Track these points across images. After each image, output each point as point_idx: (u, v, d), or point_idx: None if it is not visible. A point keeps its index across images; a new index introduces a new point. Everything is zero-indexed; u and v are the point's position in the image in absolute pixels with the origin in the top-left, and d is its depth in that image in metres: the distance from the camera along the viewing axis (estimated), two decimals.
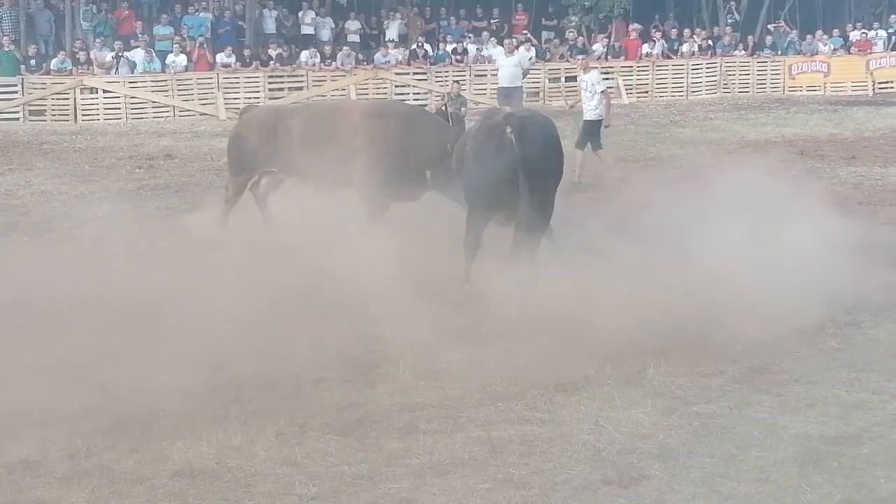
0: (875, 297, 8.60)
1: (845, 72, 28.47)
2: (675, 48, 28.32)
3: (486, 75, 25.10)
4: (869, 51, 28.73)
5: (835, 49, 28.92)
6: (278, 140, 11.09)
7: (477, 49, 26.70)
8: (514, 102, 17.72)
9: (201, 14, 26.31)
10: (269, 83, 24.68)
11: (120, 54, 24.23)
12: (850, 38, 29.23)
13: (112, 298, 8.69)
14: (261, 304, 8.51)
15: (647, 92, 27.19)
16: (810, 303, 8.15)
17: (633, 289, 8.30)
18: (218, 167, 15.70)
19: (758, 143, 19.11)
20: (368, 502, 5.38)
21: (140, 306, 8.47)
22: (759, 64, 28.47)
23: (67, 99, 23.40)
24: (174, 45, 24.75)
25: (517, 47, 22.89)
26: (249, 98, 23.27)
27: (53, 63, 23.85)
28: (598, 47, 27.91)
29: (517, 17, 29.37)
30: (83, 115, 23.33)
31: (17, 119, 22.96)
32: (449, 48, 26.71)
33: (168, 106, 23.97)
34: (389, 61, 25.88)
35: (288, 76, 25.05)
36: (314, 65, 25.29)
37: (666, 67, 27.69)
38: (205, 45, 25.13)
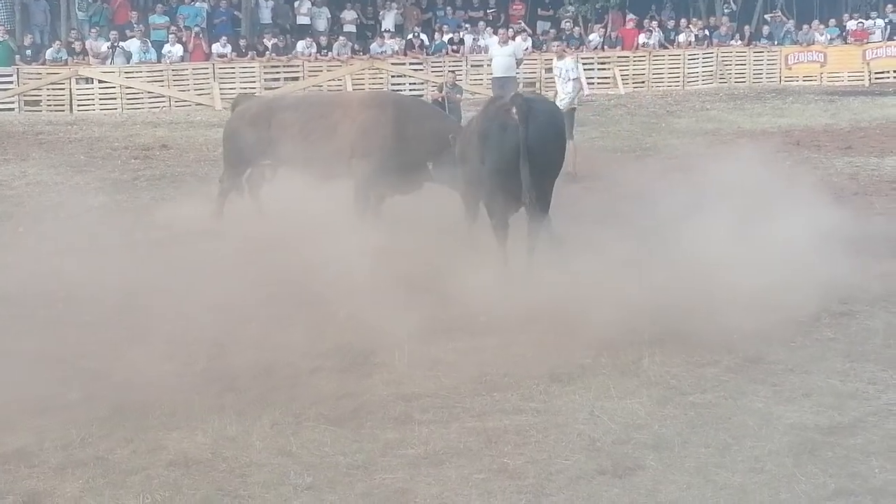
0: (870, 287, 8.61)
1: (842, 62, 28.45)
2: (671, 38, 28.28)
3: (482, 65, 25.04)
4: (865, 40, 28.70)
5: (831, 39, 28.89)
6: (273, 132, 11.03)
7: (473, 39, 26.65)
8: (509, 92, 17.70)
9: (197, 4, 26.23)
10: (265, 73, 24.62)
11: (115, 44, 24.18)
12: (847, 28, 29.19)
13: (107, 288, 8.69)
14: (256, 294, 8.52)
15: (643, 82, 27.16)
16: (805, 293, 8.15)
17: (628, 279, 8.30)
18: (214, 157, 15.67)
19: (754, 133, 19.11)
20: (363, 492, 5.38)
21: (135, 296, 8.48)
22: (756, 54, 28.44)
23: (63, 89, 23.34)
24: (170, 35, 24.68)
25: (512, 38, 22.87)
26: (245, 88, 23.24)
27: (49, 53, 23.79)
28: (594, 37, 27.87)
29: (514, 6, 29.31)
30: (79, 105, 23.28)
31: (13, 109, 22.90)
32: (445, 38, 26.67)
33: (164, 96, 23.91)
34: (386, 51, 25.83)
35: (284, 66, 24.99)
36: (310, 55, 25.24)
37: (662, 58, 27.65)
38: (200, 35, 25.08)
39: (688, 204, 9.88)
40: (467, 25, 27.62)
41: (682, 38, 28.20)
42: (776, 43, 28.90)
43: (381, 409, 6.38)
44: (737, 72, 28.12)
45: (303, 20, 27.00)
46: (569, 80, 15.25)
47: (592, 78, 26.57)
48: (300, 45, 25.45)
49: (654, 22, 28.57)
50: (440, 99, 15.75)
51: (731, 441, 5.85)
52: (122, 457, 5.77)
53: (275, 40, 25.43)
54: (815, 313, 8.02)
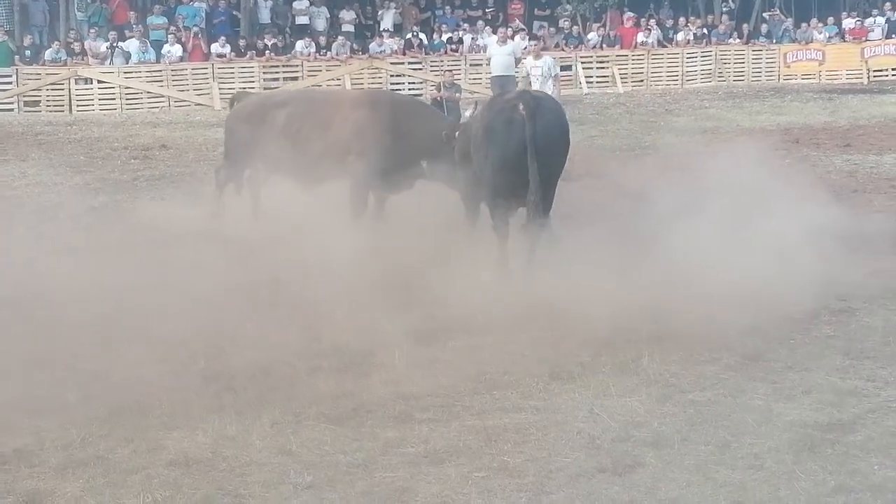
0: (869, 285, 8.63)
1: (840, 60, 28.43)
2: (669, 37, 28.28)
3: (481, 64, 25.02)
4: (864, 39, 28.70)
5: (830, 37, 28.89)
6: (268, 131, 10.99)
7: (472, 38, 26.65)
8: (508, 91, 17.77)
9: (196, 4, 26.22)
10: (265, 73, 24.61)
11: (114, 45, 24.17)
12: (845, 27, 29.18)
13: (106, 289, 8.69)
14: (255, 294, 8.53)
15: (642, 81, 27.16)
16: (804, 290, 8.16)
17: (627, 277, 8.30)
18: (213, 157, 15.66)
19: (753, 131, 19.11)
20: (364, 491, 5.38)
21: (133, 296, 8.48)
22: (754, 52, 28.43)
23: (62, 89, 23.33)
24: (169, 36, 24.68)
25: (511, 37, 22.87)
26: (244, 88, 23.16)
27: (48, 54, 23.79)
28: (593, 36, 27.88)
29: (513, 6, 29.29)
30: (78, 105, 23.27)
31: (12, 110, 22.90)
32: (444, 37, 26.66)
33: (163, 96, 23.91)
34: (385, 51, 25.83)
35: (283, 66, 24.98)
36: (309, 55, 25.24)
37: (661, 56, 27.65)
38: (199, 35, 25.07)
39: (687, 202, 9.89)
40: (466, 25, 27.61)
41: (680, 36, 28.19)
42: (774, 41, 28.90)
43: (381, 407, 6.39)
44: (735, 70, 28.10)
45: (301, 20, 27.00)
46: (549, 78, 15.34)
47: (591, 77, 26.68)
48: (299, 44, 25.45)
49: (652, 20, 28.57)
50: (439, 98, 15.76)
51: (730, 438, 5.86)
52: (122, 456, 5.77)
53: (274, 40, 25.42)
54: (814, 311, 8.04)
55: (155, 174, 15.18)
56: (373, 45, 25.97)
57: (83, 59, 23.96)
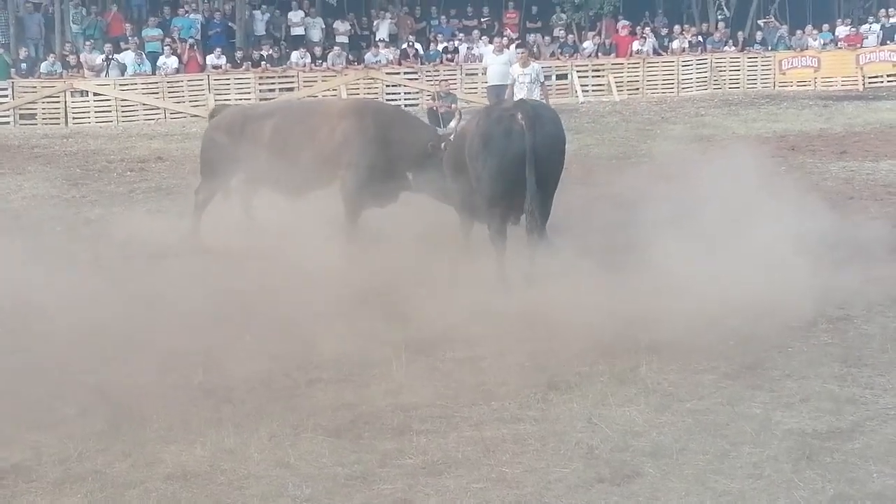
0: (867, 292, 8.61)
1: (835, 67, 28.48)
2: (665, 45, 28.33)
3: (476, 74, 25.08)
4: (859, 45, 28.76)
5: (825, 44, 28.95)
6: (248, 142, 10.94)
7: (468, 48, 26.69)
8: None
9: (191, 16, 26.27)
10: (260, 84, 24.64)
11: (110, 57, 24.19)
12: (840, 33, 29.24)
13: (104, 301, 8.68)
14: (252, 305, 8.52)
15: (637, 89, 27.19)
16: (802, 298, 8.16)
17: (624, 286, 8.30)
18: None
19: (749, 138, 19.12)
20: (362, 503, 5.37)
21: (132, 308, 8.47)
22: (750, 60, 28.48)
23: (58, 102, 23.35)
24: (164, 47, 24.71)
25: (507, 46, 22.93)
26: (240, 99, 23.28)
27: (43, 66, 23.80)
28: (588, 45, 27.92)
29: (508, 15, 29.36)
30: (74, 118, 23.29)
31: (8, 123, 22.92)
32: (440, 47, 26.70)
33: (159, 108, 23.92)
34: (380, 61, 25.87)
35: (279, 77, 25.01)
36: (305, 65, 25.27)
37: (656, 64, 27.70)
38: (195, 47, 25.10)
39: (684, 210, 9.90)
40: (461, 34, 27.65)
41: (675, 44, 28.25)
42: (770, 48, 28.95)
43: (379, 419, 6.38)
44: (731, 78, 28.14)
45: (297, 31, 27.04)
46: (536, 85, 15.44)
47: (587, 85, 26.72)
48: (294, 55, 25.48)
49: (647, 28, 28.62)
50: (435, 108, 15.78)
51: (729, 447, 5.85)
52: (120, 470, 5.75)
53: (269, 51, 25.45)
54: (811, 319, 8.03)
55: (151, 186, 15.17)
56: (368, 56, 26.00)
57: (79, 72, 23.99)
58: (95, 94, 23.63)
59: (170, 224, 11.72)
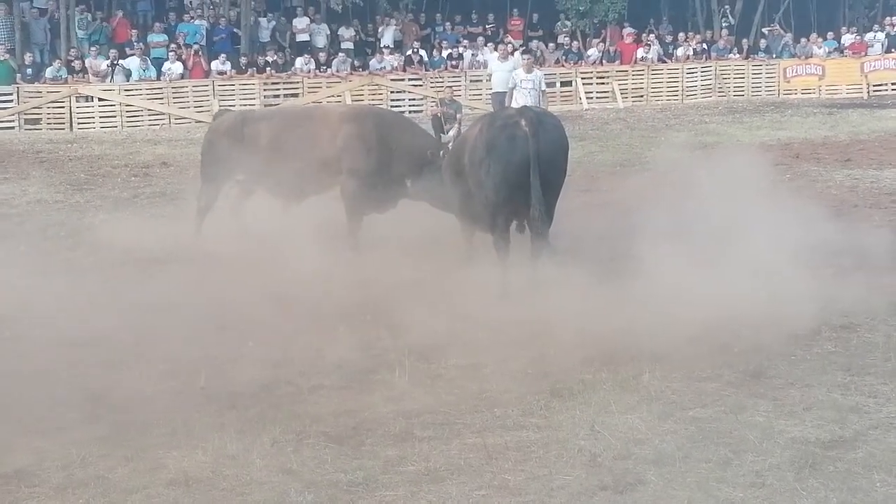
0: (870, 301, 8.60)
1: (840, 75, 28.46)
2: (669, 52, 28.33)
3: (481, 80, 25.09)
4: (863, 53, 28.76)
5: (829, 52, 28.94)
6: (248, 146, 10.96)
7: (472, 54, 26.71)
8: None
9: (196, 21, 26.29)
10: (265, 90, 24.65)
11: (115, 62, 24.21)
12: (845, 41, 29.24)
13: (108, 306, 8.70)
14: (256, 311, 8.52)
15: (642, 96, 27.20)
16: (805, 306, 8.15)
17: (627, 293, 8.30)
18: None
19: (753, 146, 19.10)
20: None
21: (135, 314, 8.48)
22: (754, 67, 28.47)
23: (63, 107, 23.37)
24: (169, 53, 24.74)
25: (512, 53, 22.94)
26: (245, 105, 23.28)
27: (49, 71, 23.82)
28: (593, 52, 27.93)
29: (512, 22, 29.37)
30: (79, 123, 23.30)
31: (13, 128, 22.92)
32: (444, 54, 26.72)
33: (164, 114, 23.94)
34: (385, 67, 25.88)
35: (283, 83, 25.03)
36: (309, 71, 25.29)
37: (661, 72, 27.70)
38: (200, 53, 25.12)
39: (688, 218, 9.91)
40: (466, 41, 27.67)
41: (680, 51, 28.24)
42: (774, 56, 28.94)
43: (382, 426, 6.38)
44: (735, 85, 28.12)
45: (302, 37, 27.07)
46: (539, 92, 15.52)
47: (591, 92, 26.72)
48: (299, 61, 25.50)
49: (652, 36, 28.64)
50: (439, 114, 15.78)
51: (731, 456, 5.84)
52: (122, 476, 5.76)
53: (274, 57, 25.48)
54: (814, 327, 8.02)
55: (155, 191, 15.18)
56: (373, 62, 26.02)
57: (84, 77, 23.99)
58: (100, 100, 23.64)
59: (173, 230, 11.72)
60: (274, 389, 7.01)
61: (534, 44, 27.87)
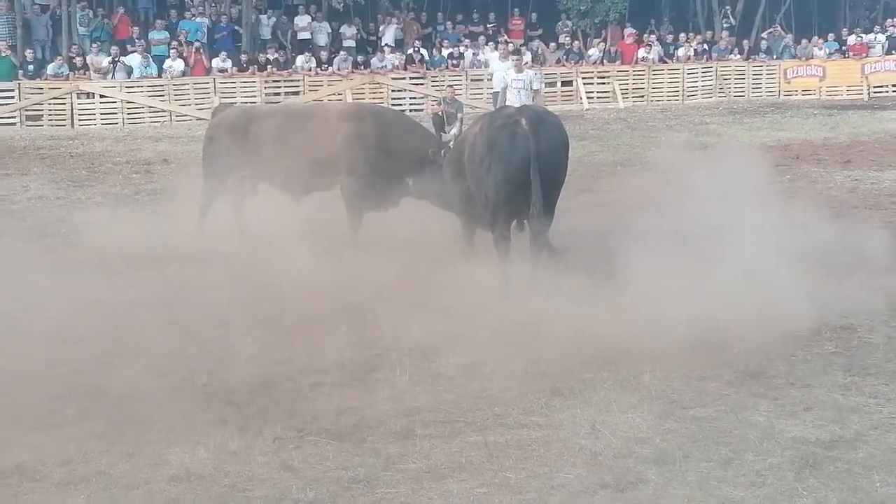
0: (870, 301, 8.62)
1: (841, 76, 28.49)
2: (670, 53, 28.34)
3: (482, 80, 25.11)
4: (864, 55, 28.76)
5: (830, 53, 28.95)
6: (249, 142, 10.96)
7: (473, 54, 26.72)
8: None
9: (198, 19, 26.30)
10: (266, 88, 24.67)
11: (116, 59, 24.22)
12: (846, 43, 29.25)
13: (108, 303, 8.70)
14: (257, 309, 8.53)
15: (643, 96, 27.21)
16: (806, 307, 8.16)
17: (628, 293, 8.30)
18: None
19: (753, 146, 19.09)
20: None
21: (136, 311, 8.49)
22: (755, 68, 28.49)
23: (64, 104, 23.38)
24: (171, 50, 24.75)
25: (512, 52, 22.94)
26: (246, 103, 23.26)
27: (50, 68, 23.84)
28: (594, 52, 27.94)
29: (513, 21, 29.38)
30: (80, 120, 23.31)
31: (14, 124, 22.94)
32: (445, 53, 26.73)
33: (165, 111, 23.95)
34: (386, 66, 25.90)
35: (284, 81, 25.04)
36: (310, 70, 25.30)
37: (662, 72, 27.71)
38: (201, 50, 25.13)
39: (689, 218, 9.91)
40: (467, 40, 27.68)
41: (681, 52, 28.26)
42: (775, 57, 28.96)
43: (383, 423, 6.38)
44: (736, 86, 28.15)
45: (303, 35, 27.07)
46: (531, 91, 15.50)
47: (592, 92, 26.73)
48: (300, 59, 25.51)
49: (653, 36, 28.65)
50: (440, 113, 15.78)
51: (732, 455, 5.85)
52: (123, 472, 5.76)
53: (275, 55, 25.48)
54: (815, 327, 8.03)
55: (157, 188, 15.17)
56: (374, 61, 26.04)
57: (85, 74, 24.01)
58: (102, 97, 23.65)
59: (174, 227, 11.72)
60: (275, 387, 7.01)
61: (535, 43, 27.88)
